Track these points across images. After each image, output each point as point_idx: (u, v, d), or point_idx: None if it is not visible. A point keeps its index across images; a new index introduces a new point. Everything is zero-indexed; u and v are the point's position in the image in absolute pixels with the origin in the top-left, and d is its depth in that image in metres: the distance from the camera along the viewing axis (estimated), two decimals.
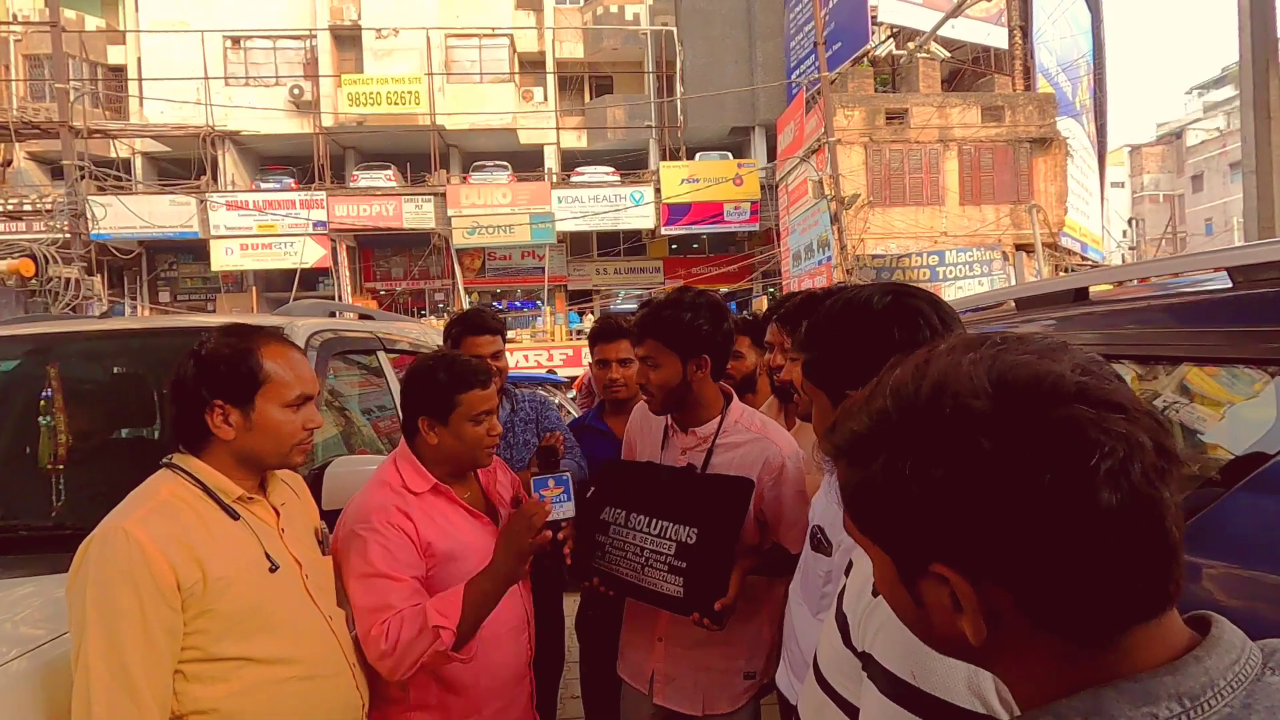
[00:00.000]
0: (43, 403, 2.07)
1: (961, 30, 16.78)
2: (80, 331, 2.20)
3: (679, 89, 20.44)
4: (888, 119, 15.46)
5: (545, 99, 20.90)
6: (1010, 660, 0.49)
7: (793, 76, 17.93)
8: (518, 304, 20.85)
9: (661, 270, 21.40)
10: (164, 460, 1.17)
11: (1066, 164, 16.01)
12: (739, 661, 1.62)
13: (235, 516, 1.14)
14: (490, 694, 1.44)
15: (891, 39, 16.90)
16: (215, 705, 1.07)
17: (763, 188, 19.30)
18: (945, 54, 17.70)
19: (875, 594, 0.77)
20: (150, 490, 1.12)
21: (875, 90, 16.54)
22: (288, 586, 1.19)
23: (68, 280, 11.37)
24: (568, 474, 1.51)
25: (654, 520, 1.52)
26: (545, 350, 17.52)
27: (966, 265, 15.02)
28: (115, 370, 2.20)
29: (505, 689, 1.47)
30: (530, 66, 21.30)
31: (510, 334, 18.54)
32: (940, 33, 15.50)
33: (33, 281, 11.11)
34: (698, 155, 20.28)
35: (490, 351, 2.02)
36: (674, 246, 21.64)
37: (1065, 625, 0.45)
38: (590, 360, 2.36)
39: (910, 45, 16.62)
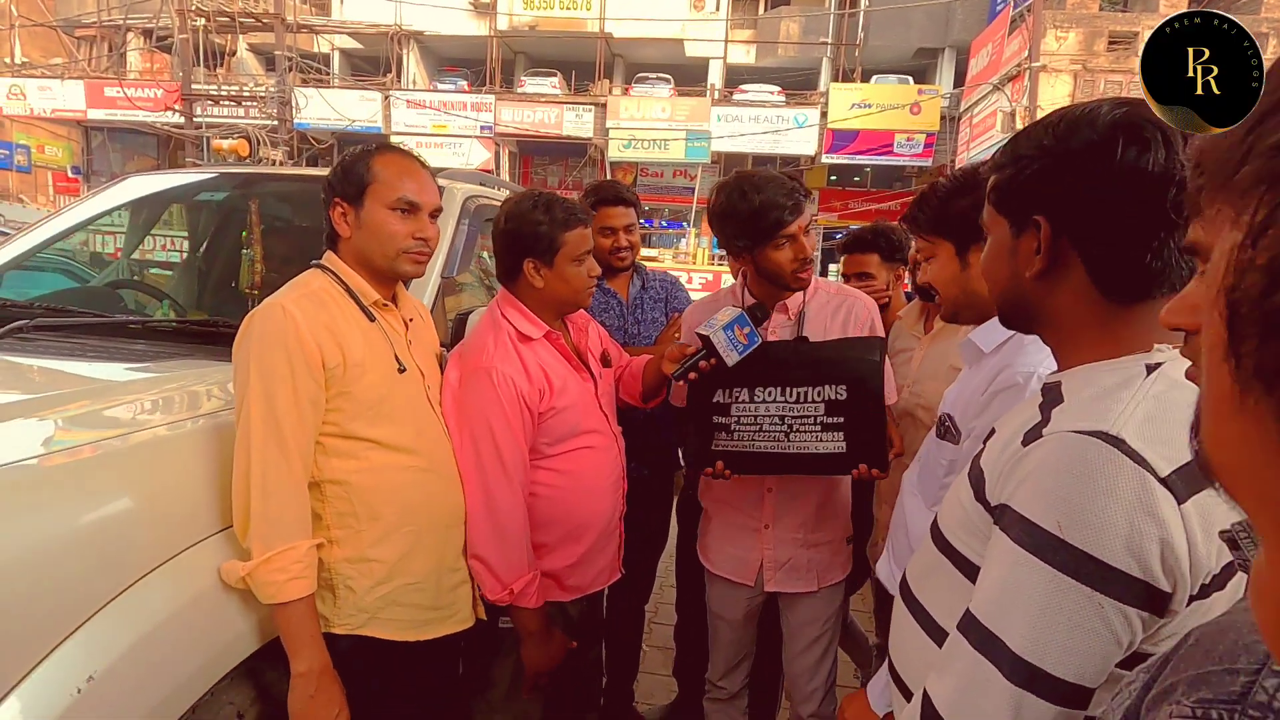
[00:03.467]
0: (244, 234, 2.37)
1: None
2: (279, 174, 2.46)
3: (864, 1, 18.70)
4: (1110, 44, 13.32)
5: (717, 9, 19.96)
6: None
7: None
8: (664, 223, 20.80)
9: (816, 201, 20.31)
10: (314, 261, 1.30)
11: None
12: (842, 530, 1.69)
13: (372, 318, 1.26)
14: (588, 538, 1.53)
15: None
16: (346, 478, 1.21)
17: (943, 119, 17.49)
18: None
19: (1025, 444, 0.71)
20: (303, 281, 1.25)
21: (1100, 8, 14.22)
22: (412, 388, 1.29)
23: (273, 162, 12.82)
24: (760, 341, 1.44)
25: (788, 389, 1.48)
26: (685, 272, 17.47)
27: None
28: (305, 210, 2.45)
29: (601, 538, 1.55)
30: None
31: (653, 252, 18.70)
32: None
33: (247, 161, 12.63)
34: (874, 78, 18.66)
35: (624, 224, 2.02)
36: (833, 178, 20.38)
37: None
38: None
39: None
